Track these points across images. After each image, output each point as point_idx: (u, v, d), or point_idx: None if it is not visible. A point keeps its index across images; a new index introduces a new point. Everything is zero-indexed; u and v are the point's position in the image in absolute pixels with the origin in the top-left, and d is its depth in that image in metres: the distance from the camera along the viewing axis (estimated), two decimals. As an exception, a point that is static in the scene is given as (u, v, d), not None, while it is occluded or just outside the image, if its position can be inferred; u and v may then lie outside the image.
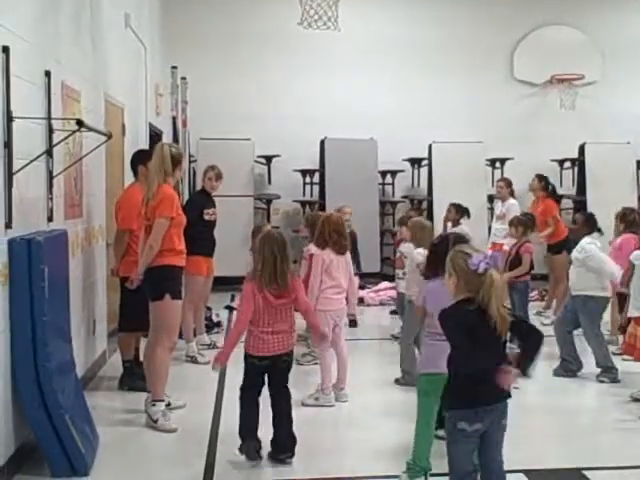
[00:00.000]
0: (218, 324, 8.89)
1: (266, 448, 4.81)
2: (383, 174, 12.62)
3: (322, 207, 11.52)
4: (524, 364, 3.54)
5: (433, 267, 4.32)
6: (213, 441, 5.12)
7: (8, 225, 4.28)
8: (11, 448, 4.39)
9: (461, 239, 4.30)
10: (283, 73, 12.46)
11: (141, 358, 6.38)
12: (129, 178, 7.65)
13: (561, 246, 9.56)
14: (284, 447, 4.74)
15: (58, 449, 4.37)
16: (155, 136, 10.30)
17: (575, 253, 6.86)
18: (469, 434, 3.48)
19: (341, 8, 8.84)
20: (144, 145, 9.06)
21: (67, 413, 4.44)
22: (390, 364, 7.38)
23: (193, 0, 12.27)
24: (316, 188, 12.50)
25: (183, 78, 9.21)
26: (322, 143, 12.24)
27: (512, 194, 10.28)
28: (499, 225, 10.07)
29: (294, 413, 4.94)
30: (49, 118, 4.98)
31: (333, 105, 12.32)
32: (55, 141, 5.11)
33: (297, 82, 12.47)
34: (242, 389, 4.86)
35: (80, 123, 4.50)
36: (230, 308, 10.27)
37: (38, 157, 4.61)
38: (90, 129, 5.01)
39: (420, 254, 6.01)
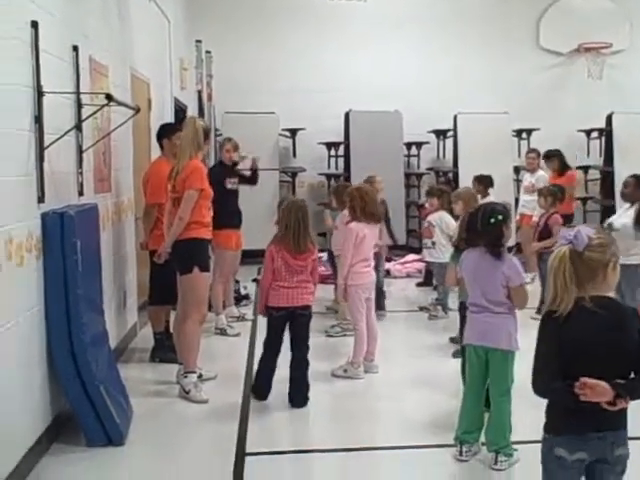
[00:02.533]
0: (246, 297, 8.94)
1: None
2: (408, 146, 12.53)
3: (347, 179, 11.47)
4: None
5: (472, 238, 4.31)
6: (245, 411, 5.18)
7: (41, 199, 4.32)
8: (48, 418, 4.47)
9: (498, 209, 4.28)
10: (307, 46, 12.38)
11: (171, 330, 6.47)
12: (155, 152, 7.68)
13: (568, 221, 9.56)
14: (301, 398, 5.21)
15: (93, 419, 4.45)
16: (180, 110, 10.32)
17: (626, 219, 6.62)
18: (569, 465, 2.74)
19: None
20: (170, 119, 9.09)
21: (101, 384, 4.51)
22: (418, 336, 7.43)
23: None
24: (341, 161, 12.45)
25: (208, 52, 9.19)
26: (347, 115, 12.18)
27: (539, 165, 10.25)
28: (528, 197, 10.04)
29: (325, 384, 5.04)
30: (78, 92, 5.01)
31: (357, 78, 12.23)
32: (84, 116, 5.14)
33: (321, 55, 12.37)
34: (265, 342, 5.37)
35: (109, 97, 4.52)
36: (257, 281, 10.32)
37: (68, 132, 4.65)
38: (119, 103, 5.03)
39: None
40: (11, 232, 3.87)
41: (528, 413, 4.60)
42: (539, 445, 4.34)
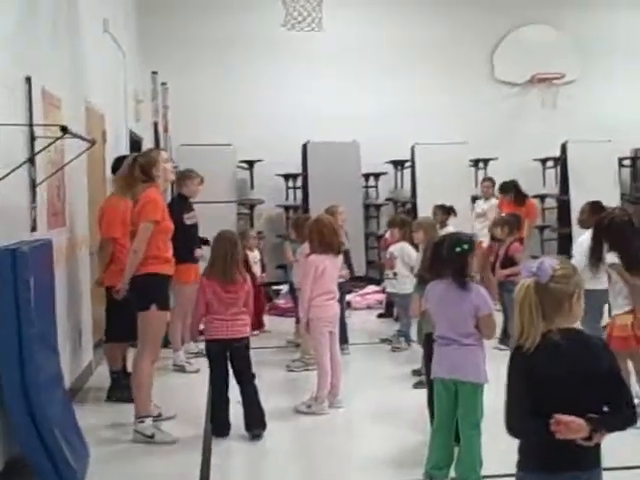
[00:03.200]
0: (202, 332, 8.74)
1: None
2: (366, 177, 12.55)
3: (306, 211, 11.42)
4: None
5: (437, 268, 4.23)
6: (207, 451, 5.02)
7: (-9, 236, 4.15)
8: (0, 465, 4.25)
9: (464, 238, 4.22)
10: (263, 77, 12.35)
11: (129, 369, 6.29)
12: (110, 185, 7.54)
13: None
14: (257, 422, 5.20)
15: (48, 464, 4.23)
16: (135, 143, 10.18)
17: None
18: None
19: (322, 10, 8.77)
20: (125, 152, 8.94)
21: (56, 427, 4.31)
22: (381, 368, 7.34)
23: (169, 4, 12.12)
24: (299, 192, 12.40)
25: (163, 83, 9.09)
26: (304, 147, 12.15)
27: (493, 194, 10.47)
28: (479, 224, 10.24)
29: (287, 421, 4.94)
30: (31, 125, 4.86)
31: (315, 108, 12.21)
32: (38, 149, 4.99)
33: (277, 86, 12.37)
34: (210, 377, 5.37)
35: (64, 129, 4.39)
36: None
37: (21, 165, 4.49)
38: (75, 135, 4.89)
39: None
40: (-41, 271, 3.69)
41: (498, 446, 4.55)
42: (508, 479, 4.28)
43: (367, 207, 12.56)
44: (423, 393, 6.15)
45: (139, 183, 5.32)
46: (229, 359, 5.30)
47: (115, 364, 6.25)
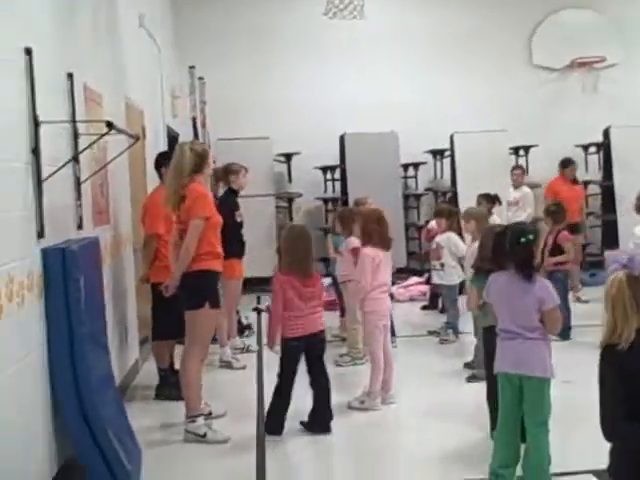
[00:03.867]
0: (248, 327, 8.69)
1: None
2: (405, 167, 12.36)
3: (345, 203, 11.30)
4: None
5: (499, 260, 4.07)
6: (261, 449, 4.93)
7: (40, 234, 4.08)
8: (54, 467, 4.19)
9: (528, 229, 4.06)
10: (300, 68, 12.24)
11: (176, 366, 6.22)
12: (151, 181, 7.48)
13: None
14: (323, 422, 5.15)
15: (102, 466, 4.16)
16: (173, 139, 10.12)
17: None
18: None
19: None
20: (163, 148, 8.88)
21: (110, 428, 4.24)
22: (431, 361, 7.20)
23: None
24: (338, 184, 12.26)
25: (200, 78, 9.01)
26: (342, 138, 12.00)
27: (523, 182, 10.58)
28: (511, 212, 10.16)
29: (341, 417, 4.85)
30: (76, 121, 4.79)
31: (351, 99, 12.06)
32: (81, 146, 4.92)
33: (314, 77, 12.23)
34: (280, 375, 5.21)
35: (110, 125, 4.29)
36: (258, 310, 10.08)
37: (67, 162, 4.42)
38: (120, 131, 4.80)
39: None
40: (11, 271, 3.62)
41: (567, 443, 4.42)
42: (579, 476, 4.13)
43: (407, 197, 12.38)
44: (477, 387, 6.07)
45: (188, 173, 5.10)
46: (305, 356, 5.22)
47: (163, 362, 6.19)
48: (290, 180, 12.24)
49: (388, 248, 5.83)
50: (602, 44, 12.57)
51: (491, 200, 8.69)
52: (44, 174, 4.14)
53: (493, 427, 4.77)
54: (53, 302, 4.11)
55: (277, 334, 5.17)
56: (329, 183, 12.31)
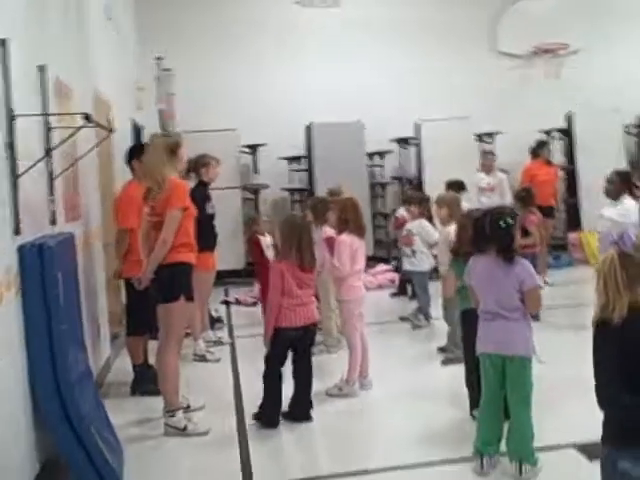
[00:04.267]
0: (219, 319, 8.66)
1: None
2: (371, 156, 12.39)
3: (311, 193, 11.30)
4: None
5: (480, 243, 4.12)
6: (243, 439, 4.94)
7: (17, 231, 4.01)
8: (36, 467, 4.14)
9: (507, 212, 4.12)
10: (265, 59, 12.16)
11: (150, 361, 6.18)
12: (119, 175, 7.42)
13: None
14: (305, 411, 5.18)
15: (86, 463, 4.12)
16: (137, 131, 10.02)
17: (613, 214, 6.55)
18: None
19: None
20: (129, 141, 8.79)
21: (92, 424, 4.21)
22: (404, 346, 7.26)
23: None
24: (304, 175, 12.24)
25: (167, 69, 8.93)
26: (308, 129, 11.99)
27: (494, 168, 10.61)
28: (486, 198, 10.18)
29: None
30: (52, 114, 4.71)
31: (317, 89, 12.06)
32: (54, 139, 4.84)
33: (279, 68, 12.19)
34: (272, 366, 5.17)
35: (88, 118, 4.23)
36: (227, 303, 10.06)
37: (45, 156, 4.36)
38: (97, 124, 4.74)
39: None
40: (-10, 269, 3.56)
41: (545, 418, 4.50)
42: (561, 451, 4.22)
43: (373, 186, 12.42)
44: (453, 370, 6.17)
45: (161, 166, 5.04)
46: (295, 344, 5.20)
47: (137, 358, 6.14)
48: (256, 171, 12.19)
49: (363, 236, 5.87)
50: (565, 31, 12.72)
51: (459, 187, 8.76)
52: (19, 169, 4.06)
53: (473, 407, 4.88)
54: (31, 300, 4.05)
55: (271, 325, 5.11)
56: (295, 174, 12.29)
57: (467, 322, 4.82)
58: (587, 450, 4.29)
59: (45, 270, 4.05)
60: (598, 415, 4.15)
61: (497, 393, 4.16)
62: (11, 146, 3.99)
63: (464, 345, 5.01)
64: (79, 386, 4.25)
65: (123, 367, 6.85)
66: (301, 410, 5.16)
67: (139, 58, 10.71)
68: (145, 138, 9.70)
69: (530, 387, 4.10)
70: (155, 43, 11.09)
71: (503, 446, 4.18)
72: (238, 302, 10.09)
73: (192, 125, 11.25)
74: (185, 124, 11.11)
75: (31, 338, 4.06)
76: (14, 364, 3.89)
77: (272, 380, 5.15)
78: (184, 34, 11.86)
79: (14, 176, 4.00)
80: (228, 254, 10.01)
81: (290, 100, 11.97)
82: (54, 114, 4.75)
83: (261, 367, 6.79)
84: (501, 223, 4.00)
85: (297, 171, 12.28)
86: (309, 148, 11.99)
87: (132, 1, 10.87)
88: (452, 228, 6.41)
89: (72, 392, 4.12)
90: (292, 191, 12.24)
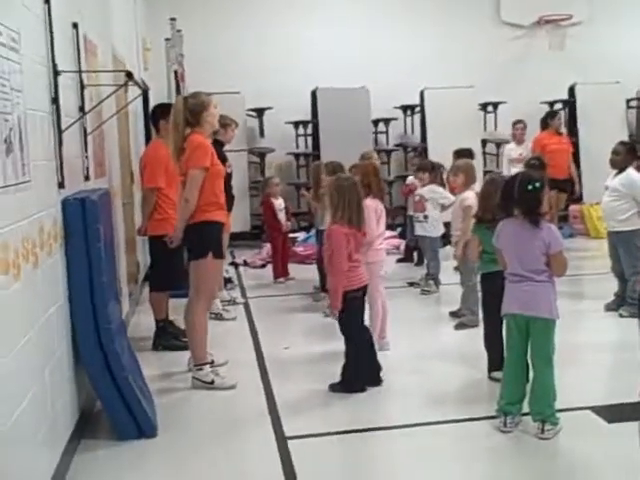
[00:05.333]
0: (230, 280, 8.77)
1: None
2: (376, 122, 12.45)
3: (317, 157, 11.36)
4: None
5: (508, 207, 4.23)
6: (270, 393, 5.07)
7: (61, 184, 4.10)
8: (76, 414, 4.27)
9: (535, 176, 4.22)
10: (270, 24, 12.15)
11: (171, 317, 6.31)
12: (134, 134, 7.48)
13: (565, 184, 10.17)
14: (376, 375, 5.17)
15: (125, 412, 4.26)
16: (144, 92, 10.02)
17: (616, 184, 6.73)
18: None
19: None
20: (139, 101, 8.80)
21: (130, 374, 4.33)
22: (415, 311, 7.40)
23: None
24: (310, 140, 12.31)
25: (179, 31, 8.94)
26: (314, 93, 12.03)
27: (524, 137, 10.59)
28: (516, 169, 10.16)
29: (335, 364, 5.15)
30: (91, 71, 4.79)
31: (324, 55, 12.09)
32: (87, 96, 4.91)
33: (285, 32, 12.17)
34: (353, 331, 5.06)
35: (130, 75, 4.30)
36: (235, 264, 10.17)
37: (89, 111, 4.43)
38: (136, 83, 4.80)
39: (470, 197, 6.00)
40: (42, 220, 3.65)
41: (568, 380, 4.66)
42: (583, 412, 4.38)
43: (377, 153, 12.41)
44: (467, 333, 6.33)
45: (184, 127, 5.08)
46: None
47: (160, 313, 6.25)
48: (262, 135, 12.24)
49: (383, 199, 5.98)
50: (569, 2, 12.76)
51: (468, 155, 8.85)
52: (63, 124, 4.14)
53: (492, 369, 5.02)
54: (74, 252, 4.15)
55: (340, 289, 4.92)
56: (301, 138, 12.35)
57: (487, 285, 4.98)
58: (604, 412, 4.48)
59: (88, 223, 4.15)
60: (615, 380, 4.36)
61: (520, 354, 4.28)
62: (56, 101, 4.05)
63: (484, 308, 5.15)
64: (118, 337, 4.36)
65: (140, 323, 6.99)
66: (372, 375, 5.17)
67: (146, 18, 10.69)
68: (151, 99, 9.72)
69: (553, 349, 4.21)
70: (162, 3, 11.09)
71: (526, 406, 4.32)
72: (246, 264, 10.20)
73: (197, 87, 11.22)
74: (191, 86, 11.16)
75: (74, 289, 4.17)
76: (60, 314, 3.99)
77: (364, 351, 5.10)
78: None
79: (59, 131, 4.08)
80: (234, 216, 10.03)
81: (296, 64, 11.99)
82: (95, 71, 4.83)
83: (276, 326, 7.03)
84: (529, 187, 4.10)
85: (303, 136, 12.33)
86: (315, 113, 12.04)
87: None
88: (468, 194, 6.54)
89: (113, 343, 4.23)
90: (298, 155, 12.30)
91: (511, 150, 10.75)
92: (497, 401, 4.39)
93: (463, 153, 9.01)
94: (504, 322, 4.39)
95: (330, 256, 4.93)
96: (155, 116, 6.32)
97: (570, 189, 10.73)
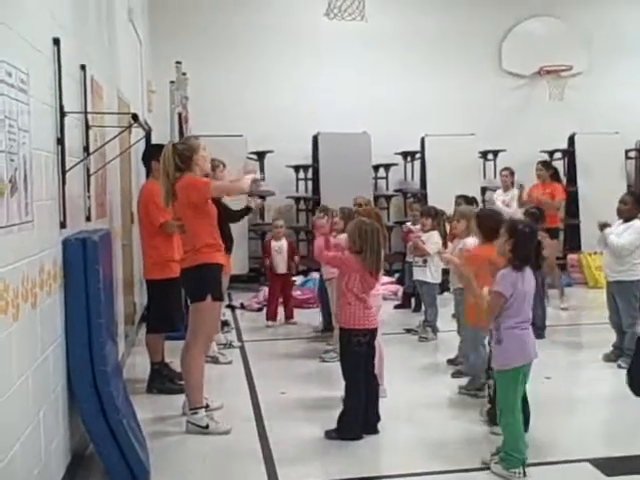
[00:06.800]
0: (226, 323, 8.73)
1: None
2: (376, 168, 12.54)
3: (317, 202, 11.39)
4: None
5: (523, 257, 4.28)
6: (265, 440, 5.01)
7: (63, 224, 4.11)
8: (68, 456, 4.22)
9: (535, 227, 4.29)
10: (274, 68, 12.32)
11: (167, 359, 6.26)
12: (136, 175, 7.51)
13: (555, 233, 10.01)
14: (374, 425, 5.08)
15: (117, 455, 4.20)
16: (147, 134, 10.08)
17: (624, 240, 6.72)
18: None
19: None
20: (140, 143, 8.84)
21: (124, 418, 4.29)
22: (413, 358, 7.35)
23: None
24: (310, 184, 12.37)
25: (184, 74, 9.05)
26: (315, 138, 12.13)
27: (513, 184, 10.49)
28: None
29: (332, 410, 5.11)
30: (97, 113, 4.83)
31: (325, 100, 12.21)
32: (92, 137, 4.94)
33: (288, 77, 12.34)
34: (353, 373, 5.02)
35: (135, 118, 4.34)
36: (232, 307, 10.13)
37: (94, 152, 4.45)
38: (140, 125, 4.84)
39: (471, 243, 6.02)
40: (42, 260, 3.65)
41: (566, 431, 4.64)
42: (582, 464, 4.33)
43: (377, 198, 12.53)
44: (464, 381, 6.27)
45: (174, 173, 5.07)
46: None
47: (157, 355, 6.21)
48: (263, 178, 12.27)
49: (384, 245, 5.99)
50: (569, 53, 12.96)
51: (469, 202, 8.89)
52: (67, 165, 4.16)
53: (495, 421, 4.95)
54: (73, 292, 4.15)
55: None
56: (301, 182, 12.41)
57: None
58: (603, 465, 4.42)
59: (88, 264, 4.15)
60: (615, 433, 4.34)
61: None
62: (61, 142, 4.08)
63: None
64: (114, 379, 4.33)
65: (136, 364, 6.95)
66: (369, 422, 5.08)
67: (151, 61, 10.81)
68: (154, 140, 9.79)
69: None
70: (167, 47, 11.23)
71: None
72: (243, 307, 10.18)
73: (201, 130, 11.36)
74: (194, 128, 11.26)
75: (71, 330, 4.15)
76: (57, 354, 3.96)
77: (359, 390, 5.02)
78: (196, 39, 11.99)
79: (63, 171, 4.10)
80: (232, 259, 10.08)
81: (299, 109, 12.11)
82: (101, 112, 4.87)
83: (272, 371, 6.98)
84: (535, 238, 4.22)
85: (303, 179, 12.40)
86: (316, 157, 12.12)
87: (147, 5, 10.98)
88: (469, 241, 6.54)
89: (108, 385, 4.20)
90: (298, 199, 12.35)
91: (498, 196, 10.83)
92: (509, 452, 4.32)
93: (466, 199, 9.10)
94: (519, 372, 4.36)
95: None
96: (147, 157, 6.34)
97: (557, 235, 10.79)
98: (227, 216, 6.84)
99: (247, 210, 7.55)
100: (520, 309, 4.29)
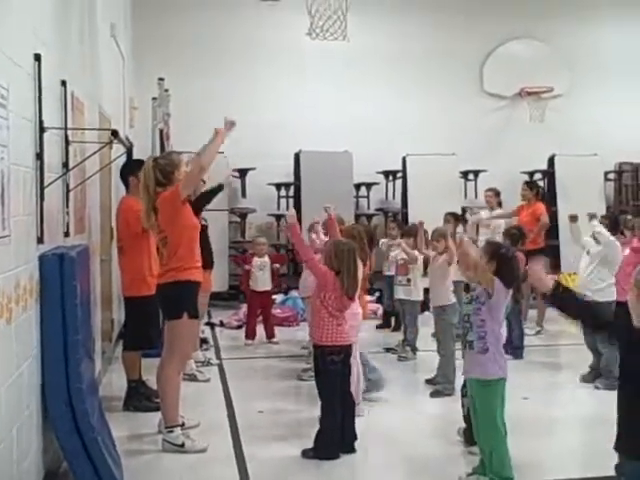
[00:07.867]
0: (205, 341, 8.69)
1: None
2: (358, 187, 12.58)
3: (298, 220, 11.36)
4: None
5: (510, 279, 4.31)
6: (241, 457, 4.98)
7: (40, 240, 4.08)
8: (41, 474, 4.17)
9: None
10: (256, 86, 12.36)
11: (144, 377, 6.22)
12: (116, 190, 7.48)
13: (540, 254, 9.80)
14: (351, 443, 5.05)
15: (91, 473, 4.15)
16: (128, 150, 10.06)
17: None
18: None
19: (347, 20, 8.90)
20: (122, 158, 8.83)
21: (99, 436, 4.25)
22: (392, 377, 7.32)
23: (164, 7, 12.06)
24: (291, 201, 12.38)
25: (166, 90, 9.06)
26: (297, 156, 12.16)
27: (499, 204, 10.52)
28: (483, 237, 10.22)
29: (309, 429, 5.09)
30: (77, 129, 4.82)
31: (307, 118, 12.27)
32: (71, 153, 4.93)
33: (271, 95, 12.37)
34: (329, 391, 4.99)
35: (115, 134, 4.33)
36: (211, 324, 10.10)
37: (73, 168, 4.44)
38: (120, 141, 4.83)
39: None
40: (18, 275, 3.62)
41: (543, 452, 4.63)
42: None
43: (358, 217, 12.54)
44: (442, 401, 6.28)
45: (154, 188, 5.09)
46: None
47: (133, 373, 6.17)
48: (244, 195, 12.31)
49: (365, 262, 6.00)
50: (550, 75, 13.10)
51: (458, 219, 8.95)
52: (45, 180, 4.14)
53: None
54: (49, 308, 4.12)
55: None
56: (283, 200, 12.43)
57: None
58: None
59: (65, 280, 4.12)
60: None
61: None
62: (40, 157, 4.07)
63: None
64: (89, 397, 4.29)
65: (112, 382, 6.89)
66: (346, 441, 5.06)
67: (134, 77, 10.82)
68: (135, 156, 9.76)
69: None
70: (150, 63, 11.24)
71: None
72: (222, 325, 10.14)
73: (182, 146, 11.33)
74: (176, 144, 11.24)
75: (46, 346, 4.12)
76: (32, 371, 3.93)
77: (335, 408, 4.99)
78: (178, 55, 12.02)
79: (41, 186, 4.08)
80: (213, 276, 10.06)
81: (281, 127, 12.13)
82: (80, 129, 4.85)
83: (250, 389, 6.95)
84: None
85: (284, 197, 12.41)
86: (297, 175, 12.14)
87: (130, 20, 10.99)
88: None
89: (83, 403, 4.17)
90: (279, 217, 12.35)
91: (484, 216, 10.86)
92: (496, 472, 4.32)
93: (455, 217, 9.15)
94: (500, 386, 4.38)
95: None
96: (125, 172, 6.31)
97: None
98: (201, 197, 6.58)
99: (219, 187, 7.23)
100: (501, 320, 4.37)
